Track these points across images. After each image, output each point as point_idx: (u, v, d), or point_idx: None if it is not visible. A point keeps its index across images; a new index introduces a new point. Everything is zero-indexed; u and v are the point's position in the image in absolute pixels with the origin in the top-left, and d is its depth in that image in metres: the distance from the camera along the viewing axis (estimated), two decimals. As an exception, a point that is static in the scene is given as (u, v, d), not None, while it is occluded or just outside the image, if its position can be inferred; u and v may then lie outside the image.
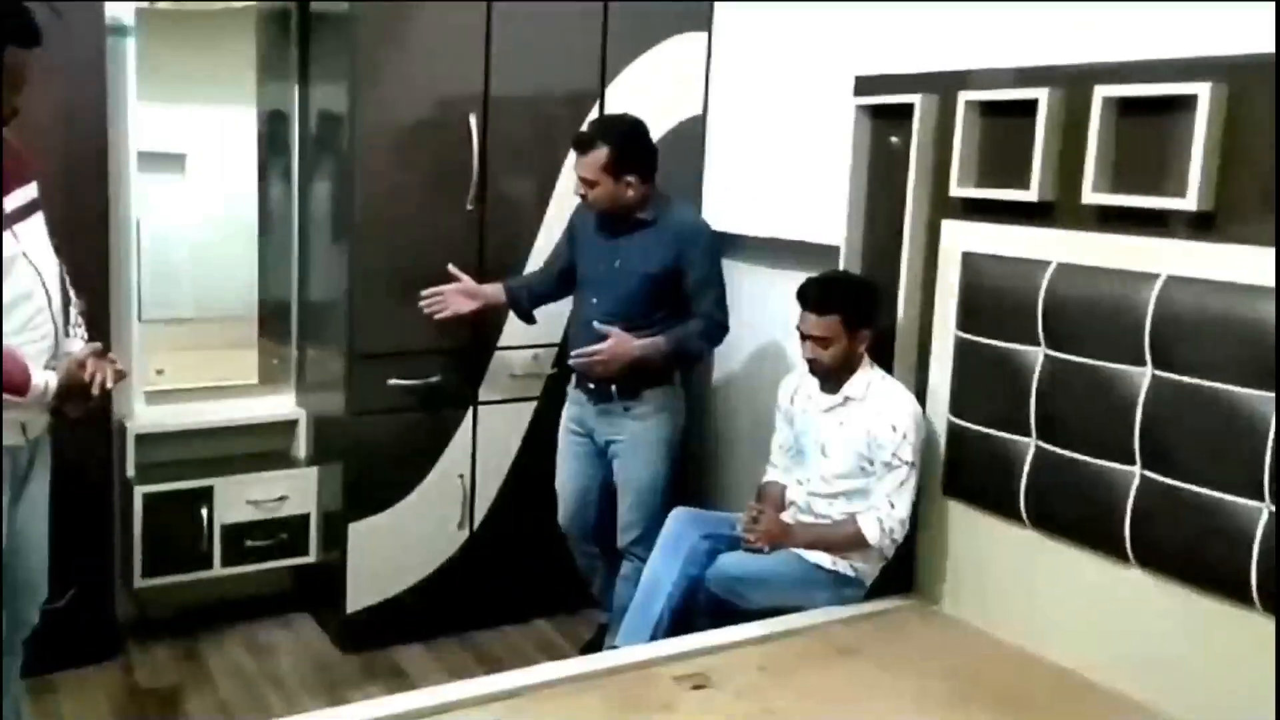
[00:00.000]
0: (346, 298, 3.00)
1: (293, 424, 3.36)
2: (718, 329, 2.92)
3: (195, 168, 3.27)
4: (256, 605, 3.34)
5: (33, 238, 2.11)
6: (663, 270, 2.83)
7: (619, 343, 2.81)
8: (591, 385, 2.94)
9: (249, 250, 3.32)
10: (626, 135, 2.79)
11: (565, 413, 3.09)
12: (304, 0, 3.20)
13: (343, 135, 2.98)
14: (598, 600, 3.21)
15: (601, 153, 2.74)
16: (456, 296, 2.97)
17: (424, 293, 2.96)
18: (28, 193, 2.13)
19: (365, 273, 2.99)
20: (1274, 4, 1.91)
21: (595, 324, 2.86)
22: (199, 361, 3.32)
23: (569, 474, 3.08)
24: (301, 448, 3.35)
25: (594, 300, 2.91)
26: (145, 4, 3.03)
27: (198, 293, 3.33)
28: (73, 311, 2.26)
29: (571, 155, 2.93)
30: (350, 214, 2.97)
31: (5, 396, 1.99)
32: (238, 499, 3.14)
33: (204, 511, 3.09)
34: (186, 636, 3.19)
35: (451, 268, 2.99)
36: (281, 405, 3.39)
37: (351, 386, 3.03)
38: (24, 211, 2.11)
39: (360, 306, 3.00)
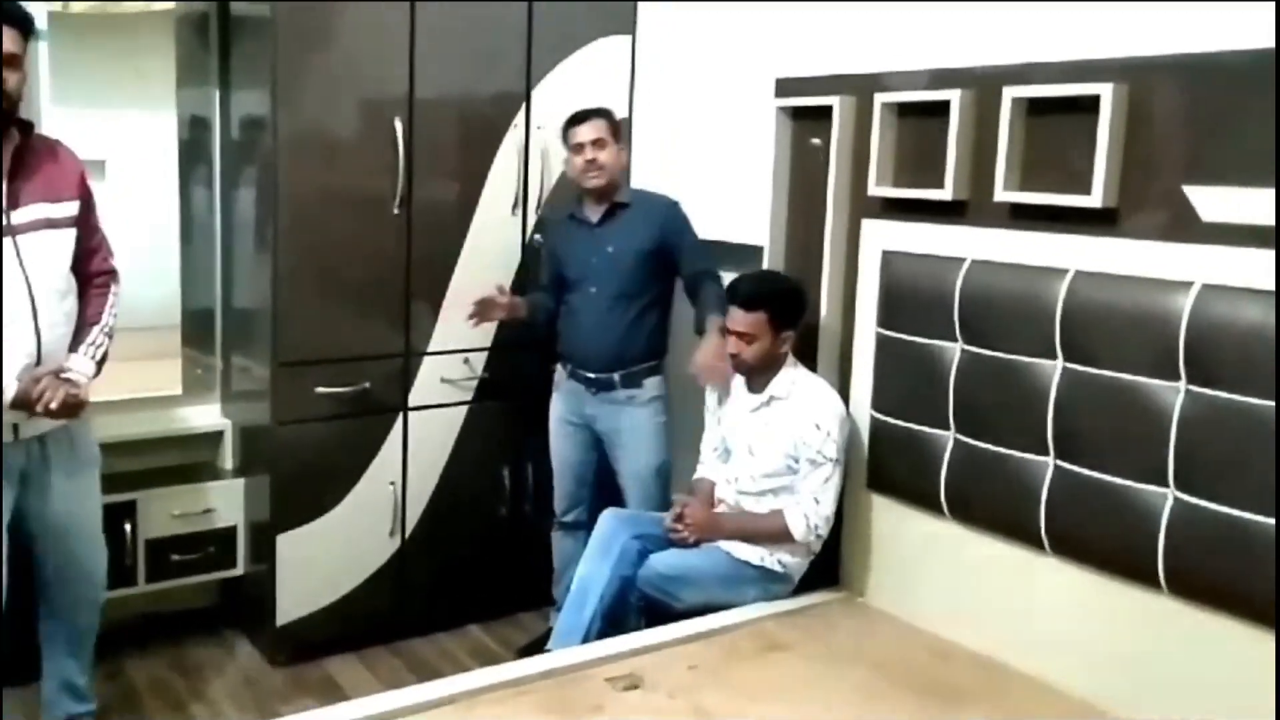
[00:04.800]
0: (271, 305, 2.95)
1: (218, 435, 3.30)
2: (719, 277, 3.01)
3: (115, 174, 3.19)
4: (183, 621, 3.28)
5: (37, 251, 2.28)
6: (654, 245, 2.99)
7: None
8: (591, 375, 3.03)
9: (171, 258, 3.26)
10: (609, 111, 3.08)
11: (558, 404, 3.17)
12: (223, 3, 3.15)
13: (265, 140, 2.93)
14: (556, 600, 3.20)
15: (602, 120, 2.99)
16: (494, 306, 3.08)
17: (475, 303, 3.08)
18: (59, 209, 2.32)
19: (290, 279, 2.96)
20: (1274, 4, 1.94)
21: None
22: (120, 372, 3.18)
23: (566, 463, 3.17)
24: (228, 459, 3.29)
25: (593, 290, 3.01)
26: (58, 7, 2.96)
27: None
28: (95, 330, 2.43)
29: (501, 161, 3.17)
30: (274, 220, 2.92)
31: None
32: (162, 513, 3.07)
33: (127, 526, 3.01)
34: (110, 656, 3.08)
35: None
36: (206, 416, 3.32)
37: (278, 395, 2.99)
38: (36, 225, 2.28)
39: (285, 314, 2.96)
